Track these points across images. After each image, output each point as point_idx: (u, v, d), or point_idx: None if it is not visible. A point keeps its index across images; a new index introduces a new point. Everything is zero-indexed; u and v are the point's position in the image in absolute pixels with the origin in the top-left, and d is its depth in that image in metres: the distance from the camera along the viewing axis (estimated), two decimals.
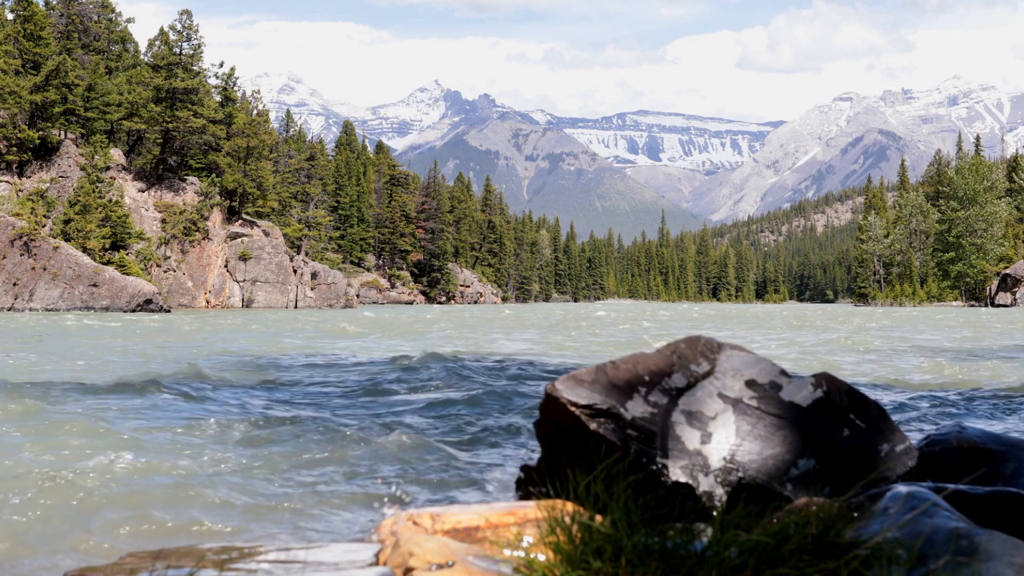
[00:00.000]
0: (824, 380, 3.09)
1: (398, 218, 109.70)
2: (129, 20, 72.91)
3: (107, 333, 23.86)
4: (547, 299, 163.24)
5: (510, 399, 9.20)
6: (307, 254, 78.61)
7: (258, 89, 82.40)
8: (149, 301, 48.81)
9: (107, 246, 51.83)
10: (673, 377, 3.01)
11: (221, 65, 66.44)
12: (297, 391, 9.87)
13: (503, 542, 2.51)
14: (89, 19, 65.20)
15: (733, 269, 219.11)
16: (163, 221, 58.93)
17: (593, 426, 2.89)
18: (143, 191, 60.00)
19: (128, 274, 50.44)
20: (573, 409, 2.92)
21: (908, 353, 17.51)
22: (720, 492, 2.82)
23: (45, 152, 56.13)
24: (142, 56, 70.71)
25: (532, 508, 2.67)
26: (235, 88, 67.77)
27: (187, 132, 61.54)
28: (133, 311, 47.26)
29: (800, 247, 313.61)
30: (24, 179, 54.74)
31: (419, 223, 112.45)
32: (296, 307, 64.31)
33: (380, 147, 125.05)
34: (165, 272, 57.58)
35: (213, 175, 63.66)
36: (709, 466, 2.85)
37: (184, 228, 58.98)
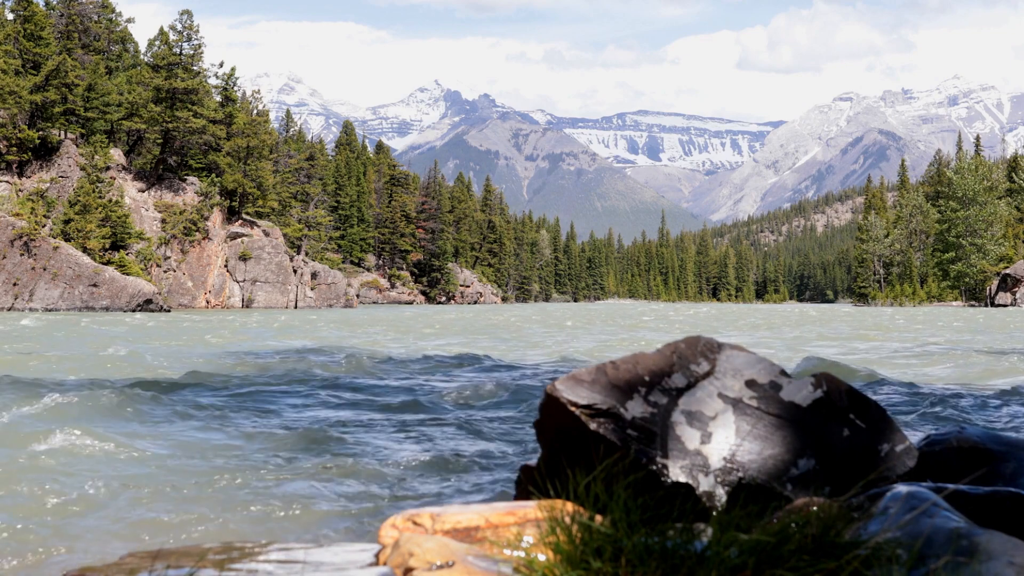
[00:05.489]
0: (824, 380, 3.09)
1: (398, 218, 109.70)
2: (129, 20, 72.94)
3: (207, 333, 23.80)
4: (547, 299, 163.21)
5: (523, 399, 9.21)
6: (307, 254, 78.62)
7: (258, 89, 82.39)
8: (149, 301, 48.81)
9: (107, 246, 51.83)
10: (673, 377, 3.01)
11: (221, 65, 66.47)
12: (318, 390, 9.87)
13: (503, 542, 2.51)
14: (89, 19, 65.18)
15: (733, 269, 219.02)
16: (163, 221, 58.93)
17: (593, 426, 2.89)
18: (143, 191, 60.00)
19: (128, 274, 50.44)
20: (573, 409, 2.92)
21: (908, 352, 17.51)
22: (720, 492, 2.82)
23: (45, 152, 56.13)
24: (142, 56, 70.74)
25: (532, 508, 2.67)
26: (235, 88, 67.77)
27: (187, 132, 61.53)
28: (133, 311, 47.26)
29: (800, 247, 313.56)
30: (24, 179, 54.75)
31: (419, 223, 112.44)
32: (296, 307, 64.31)
33: (380, 147, 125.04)
34: (165, 272, 57.58)
35: (213, 175, 63.65)
36: (709, 466, 2.85)
37: (184, 228, 58.98)
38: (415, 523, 2.67)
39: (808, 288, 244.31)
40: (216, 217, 62.14)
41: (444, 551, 2.34)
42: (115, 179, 56.47)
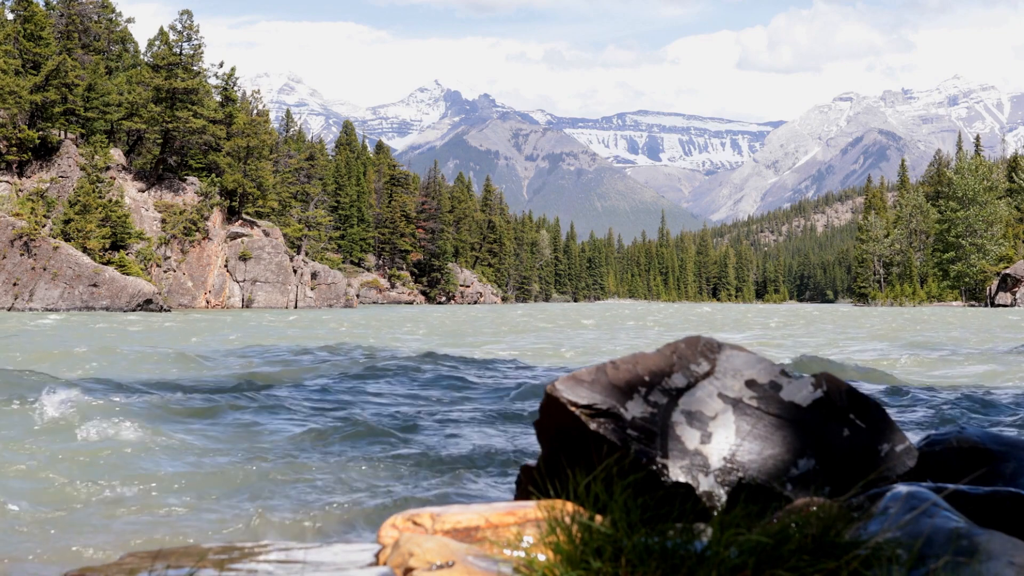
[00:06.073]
0: (824, 380, 3.09)
1: (398, 218, 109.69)
2: (129, 20, 72.96)
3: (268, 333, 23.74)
4: (547, 299, 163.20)
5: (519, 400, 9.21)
6: (307, 254, 78.62)
7: (258, 89, 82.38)
8: (149, 301, 48.81)
9: (107, 246, 51.83)
10: (673, 377, 3.01)
11: (221, 65, 66.46)
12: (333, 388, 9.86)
13: (503, 542, 2.51)
14: (89, 19, 65.18)
15: (733, 269, 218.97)
16: (163, 221, 58.93)
17: (593, 426, 2.89)
18: (143, 191, 60.00)
19: (128, 274, 50.44)
20: (573, 409, 2.92)
21: (907, 352, 17.51)
22: (720, 492, 2.82)
23: (45, 152, 56.12)
24: (142, 56, 70.74)
25: (532, 508, 2.67)
26: (235, 88, 67.76)
27: (187, 132, 61.52)
28: (133, 311, 47.27)
29: (800, 247, 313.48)
30: (24, 179, 54.75)
31: (419, 223, 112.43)
32: (296, 307, 64.32)
33: (380, 147, 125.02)
34: (165, 272, 57.58)
35: (213, 175, 63.64)
36: (709, 466, 2.85)
37: (184, 228, 58.97)
38: (415, 523, 2.67)
39: (808, 288, 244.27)
40: (216, 217, 62.14)
41: (444, 551, 2.34)
42: (115, 179, 56.47)
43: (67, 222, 51.32)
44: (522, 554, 2.38)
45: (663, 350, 3.10)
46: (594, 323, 36.50)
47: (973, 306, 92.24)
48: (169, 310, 50.66)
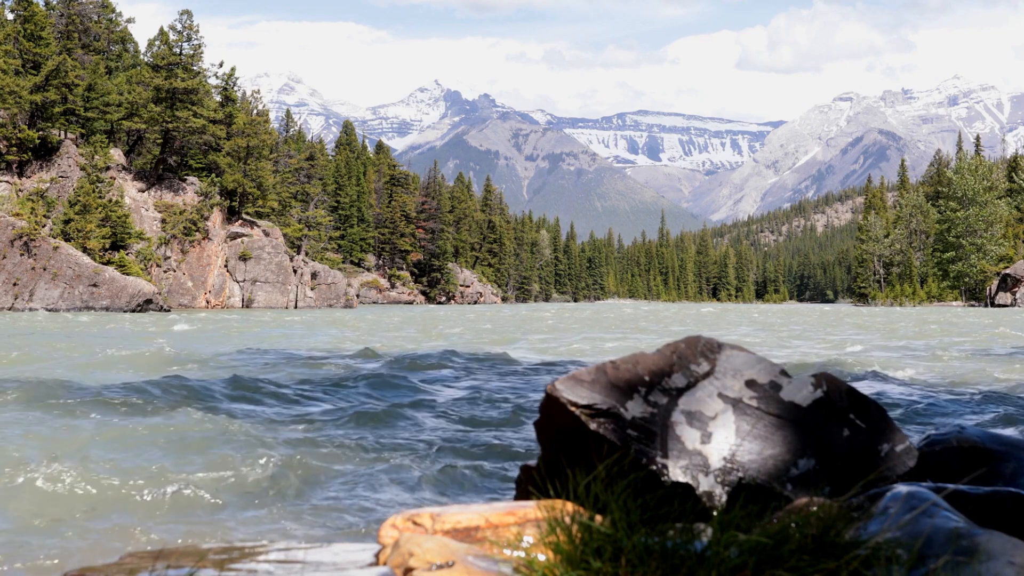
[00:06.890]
0: (824, 380, 3.09)
1: (398, 218, 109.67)
2: (129, 20, 72.98)
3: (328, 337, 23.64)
4: (547, 299, 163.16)
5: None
6: (307, 254, 78.60)
7: (258, 89, 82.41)
8: (149, 301, 48.80)
9: (107, 246, 51.82)
10: (673, 377, 3.01)
11: (221, 65, 66.46)
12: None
13: (503, 542, 2.51)
14: (89, 19, 65.18)
15: (733, 269, 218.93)
16: (163, 221, 58.92)
17: (593, 426, 2.89)
18: (143, 191, 59.99)
19: (128, 274, 50.42)
20: (573, 409, 2.92)
21: (908, 352, 17.51)
22: (720, 492, 2.82)
23: (45, 152, 56.11)
24: (142, 56, 70.75)
25: (532, 508, 2.67)
26: (235, 88, 67.75)
27: (187, 132, 61.52)
28: (133, 311, 47.26)
29: (800, 247, 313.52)
30: (24, 179, 54.73)
31: (419, 223, 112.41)
32: (296, 307, 64.30)
33: (380, 147, 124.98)
34: (165, 272, 57.57)
35: (213, 175, 63.64)
36: (709, 466, 2.85)
37: (184, 228, 58.96)
38: (415, 523, 2.67)
39: (808, 288, 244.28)
40: (216, 217, 62.13)
41: (444, 551, 2.34)
42: (115, 179, 56.46)
43: (67, 222, 51.32)
44: (522, 554, 2.38)
45: (663, 350, 3.10)
46: (616, 321, 36.58)
47: (973, 306, 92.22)
48: (169, 310, 50.64)
